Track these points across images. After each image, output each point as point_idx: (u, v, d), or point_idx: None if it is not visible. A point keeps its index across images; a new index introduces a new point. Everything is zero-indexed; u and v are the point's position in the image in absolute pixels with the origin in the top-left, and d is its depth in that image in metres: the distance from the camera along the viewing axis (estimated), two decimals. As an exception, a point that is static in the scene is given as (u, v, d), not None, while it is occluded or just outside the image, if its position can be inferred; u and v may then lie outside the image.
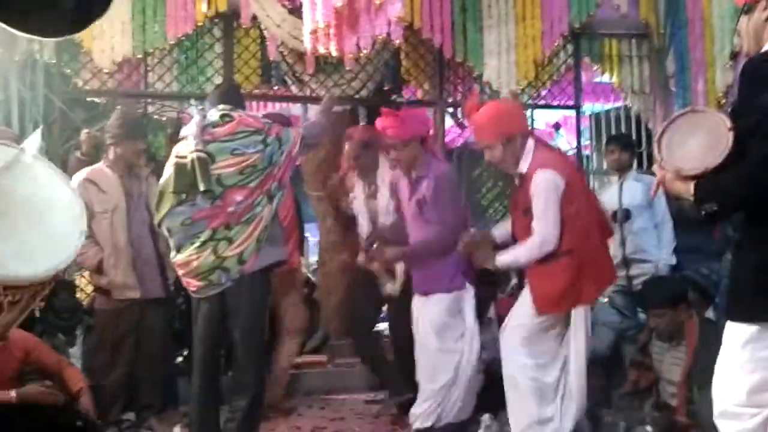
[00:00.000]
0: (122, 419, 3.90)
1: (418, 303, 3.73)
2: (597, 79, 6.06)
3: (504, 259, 3.23)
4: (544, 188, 3.10)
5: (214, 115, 3.21)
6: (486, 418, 3.55)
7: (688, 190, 1.97)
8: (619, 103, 5.94)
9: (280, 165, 3.16)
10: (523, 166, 3.22)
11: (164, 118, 5.38)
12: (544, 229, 3.09)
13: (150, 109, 5.33)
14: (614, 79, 5.58)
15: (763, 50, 1.99)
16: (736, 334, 1.95)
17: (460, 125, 5.82)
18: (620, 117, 5.78)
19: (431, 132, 4.38)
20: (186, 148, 3.13)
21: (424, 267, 3.67)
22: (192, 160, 3.06)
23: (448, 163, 4.16)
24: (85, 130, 4.30)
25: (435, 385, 3.59)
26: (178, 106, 5.44)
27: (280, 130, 3.21)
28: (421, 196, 3.63)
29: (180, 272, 3.19)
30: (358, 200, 4.07)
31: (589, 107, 6.07)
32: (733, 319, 1.97)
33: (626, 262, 4.37)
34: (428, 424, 3.60)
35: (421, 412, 3.62)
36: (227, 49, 5.08)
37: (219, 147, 3.10)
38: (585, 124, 5.96)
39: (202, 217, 3.09)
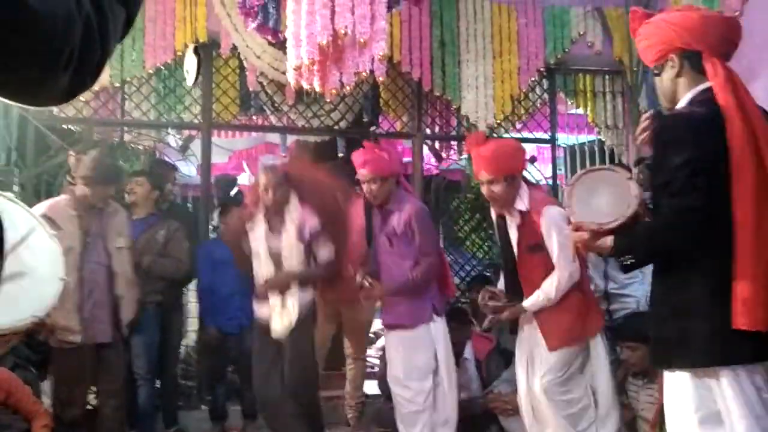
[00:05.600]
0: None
1: (386, 339, 3.73)
2: (572, 111, 6.17)
3: (533, 302, 3.25)
4: (558, 223, 3.19)
5: None
6: None
7: (604, 243, 2.09)
8: (593, 136, 6.05)
9: None
10: (521, 204, 3.29)
11: (141, 147, 5.34)
12: (568, 262, 3.18)
13: (126, 137, 5.27)
14: (588, 114, 5.69)
15: (676, 108, 2.11)
16: (670, 380, 2.04)
17: (438, 157, 5.87)
18: (594, 150, 5.87)
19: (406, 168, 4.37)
20: None
21: (396, 302, 3.64)
22: None
23: (424, 196, 4.13)
24: (71, 154, 4.13)
25: (411, 425, 3.54)
26: (156, 134, 5.39)
27: None
28: (391, 230, 3.63)
29: None
30: (258, 239, 3.63)
31: (563, 138, 6.16)
32: (660, 367, 2.10)
33: (607, 296, 4.40)
34: None
35: None
36: (206, 78, 5.06)
37: None
38: (559, 155, 6.03)
39: None
